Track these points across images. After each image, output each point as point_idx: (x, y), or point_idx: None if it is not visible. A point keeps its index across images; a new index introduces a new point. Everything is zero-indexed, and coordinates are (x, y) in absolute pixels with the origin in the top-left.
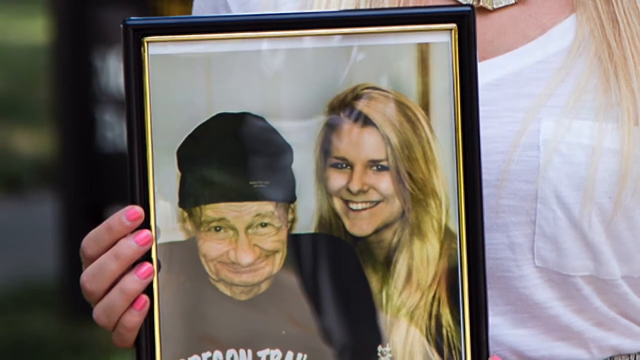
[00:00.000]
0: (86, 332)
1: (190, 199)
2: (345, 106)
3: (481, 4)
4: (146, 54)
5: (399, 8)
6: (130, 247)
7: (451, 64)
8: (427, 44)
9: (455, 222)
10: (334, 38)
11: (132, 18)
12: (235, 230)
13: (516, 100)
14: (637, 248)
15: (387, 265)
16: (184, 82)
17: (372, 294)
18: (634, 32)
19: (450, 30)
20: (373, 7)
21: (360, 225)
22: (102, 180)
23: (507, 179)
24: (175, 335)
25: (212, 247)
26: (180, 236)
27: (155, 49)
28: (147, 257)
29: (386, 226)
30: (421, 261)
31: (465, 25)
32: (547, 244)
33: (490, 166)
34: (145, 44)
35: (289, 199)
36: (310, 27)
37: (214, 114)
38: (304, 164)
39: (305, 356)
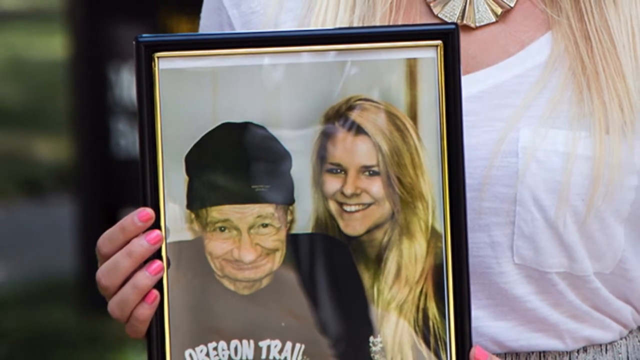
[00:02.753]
0: (101, 324)
1: (197, 201)
2: (340, 116)
3: (464, 22)
4: (156, 68)
5: (389, 26)
6: (141, 245)
7: (437, 77)
8: (414, 59)
9: (441, 222)
10: (329, 53)
11: (144, 35)
12: (238, 230)
13: (497, 110)
14: (607, 246)
15: (378, 262)
16: (191, 94)
17: (364, 289)
18: (604, 48)
19: (436, 46)
20: (365, 25)
21: (353, 226)
22: (115, 184)
23: (488, 183)
24: (183, 327)
25: (217, 245)
26: (187, 235)
27: (165, 63)
28: (157, 254)
29: (377, 226)
30: (409, 259)
31: (449, 42)
32: (525, 242)
33: (473, 171)
34: (156, 59)
35: (288, 201)
36: (307, 44)
37: (219, 123)
38: (301, 169)
39: (303, 346)
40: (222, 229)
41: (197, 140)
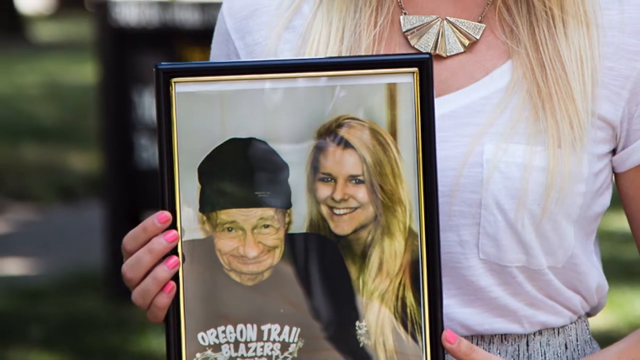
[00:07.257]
0: (126, 311)
1: (208, 205)
2: (330, 132)
3: (437, 52)
4: (173, 92)
5: (372, 55)
6: (160, 243)
7: (413, 99)
8: (394, 84)
9: (417, 223)
10: (321, 79)
11: (162, 63)
12: (244, 230)
13: (465, 128)
14: (559, 244)
15: (363, 257)
16: (203, 114)
17: (351, 281)
18: (557, 74)
19: (413, 73)
20: (352, 54)
21: (342, 226)
22: (138, 190)
23: (457, 190)
24: (196, 313)
25: (225, 243)
26: (200, 235)
27: (181, 87)
28: (174, 251)
29: (362, 227)
30: (390, 254)
31: (424, 69)
32: (489, 241)
33: (444, 180)
34: (173, 84)
35: (286, 205)
36: (302, 70)
37: (227, 139)
38: (297, 178)
39: (299, 329)
40: (229, 229)
41: (208, 153)
